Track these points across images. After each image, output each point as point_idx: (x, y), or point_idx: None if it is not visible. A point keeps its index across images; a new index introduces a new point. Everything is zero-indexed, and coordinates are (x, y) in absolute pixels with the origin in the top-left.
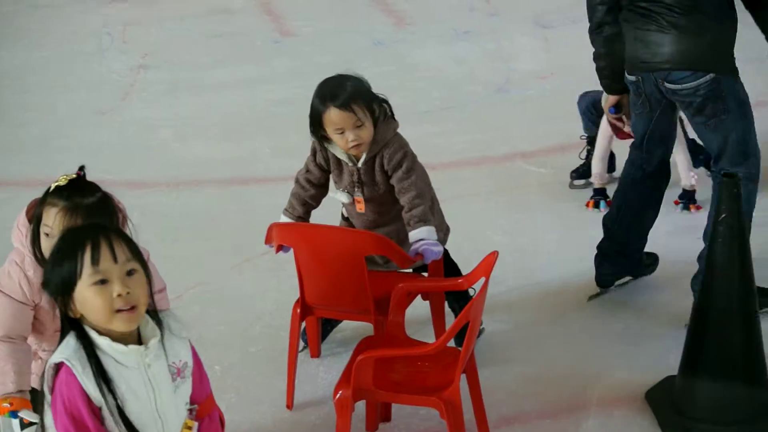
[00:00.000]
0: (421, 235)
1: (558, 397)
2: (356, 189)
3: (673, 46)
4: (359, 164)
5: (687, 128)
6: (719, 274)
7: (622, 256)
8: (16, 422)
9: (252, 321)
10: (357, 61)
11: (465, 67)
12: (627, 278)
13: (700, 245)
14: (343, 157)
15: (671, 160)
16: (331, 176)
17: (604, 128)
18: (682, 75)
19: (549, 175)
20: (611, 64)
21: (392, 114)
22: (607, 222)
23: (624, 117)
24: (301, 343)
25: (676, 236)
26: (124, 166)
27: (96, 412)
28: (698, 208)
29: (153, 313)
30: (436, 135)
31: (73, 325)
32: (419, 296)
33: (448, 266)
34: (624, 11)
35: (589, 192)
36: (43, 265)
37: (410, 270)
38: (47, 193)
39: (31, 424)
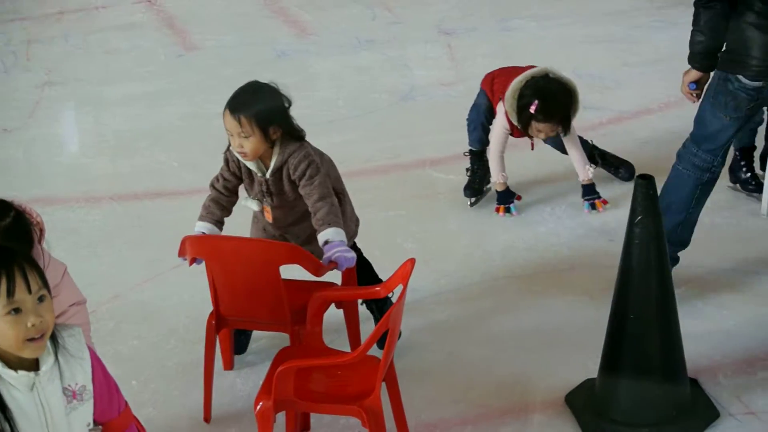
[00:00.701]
0: (326, 237)
1: (478, 402)
2: (265, 198)
3: None
4: (267, 175)
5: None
6: (636, 276)
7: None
8: None
9: (166, 334)
10: (260, 73)
11: (369, 75)
12: None
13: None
14: (252, 167)
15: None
16: (243, 184)
17: (499, 127)
18: None
19: (458, 182)
20: (709, 42)
21: (298, 132)
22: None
23: (695, 94)
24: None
25: (589, 239)
26: (32, 183)
27: None
28: (605, 202)
29: (51, 334)
30: (343, 144)
31: None
32: (333, 305)
33: (362, 265)
34: (758, 3)
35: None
36: None
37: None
38: None
39: None
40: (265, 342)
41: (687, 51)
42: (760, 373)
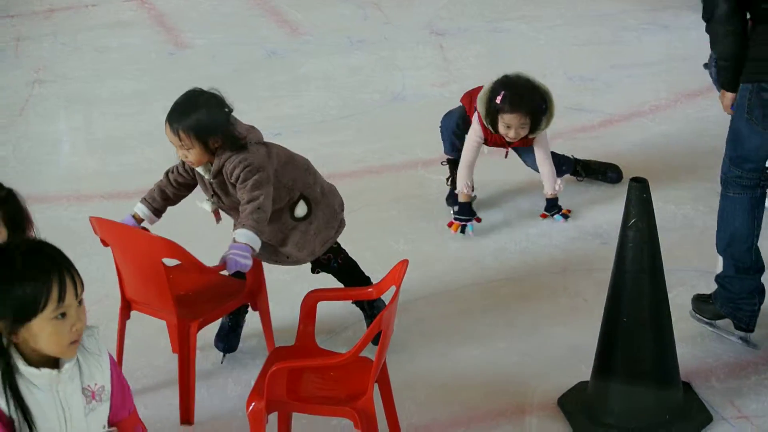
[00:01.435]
0: (234, 236)
1: (470, 404)
2: (214, 199)
3: None
4: (209, 178)
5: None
6: (629, 279)
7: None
8: None
9: (155, 334)
10: (251, 72)
11: (360, 75)
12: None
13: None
14: (200, 170)
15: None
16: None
17: (473, 134)
18: None
19: None
20: (739, 61)
21: (238, 140)
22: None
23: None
24: (220, 355)
25: (582, 242)
26: (22, 181)
27: (5, 423)
28: (569, 211)
29: None
30: (334, 144)
31: None
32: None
33: (348, 266)
34: None
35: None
36: None
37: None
38: None
39: None
40: (257, 341)
41: (676, 54)
42: (753, 377)
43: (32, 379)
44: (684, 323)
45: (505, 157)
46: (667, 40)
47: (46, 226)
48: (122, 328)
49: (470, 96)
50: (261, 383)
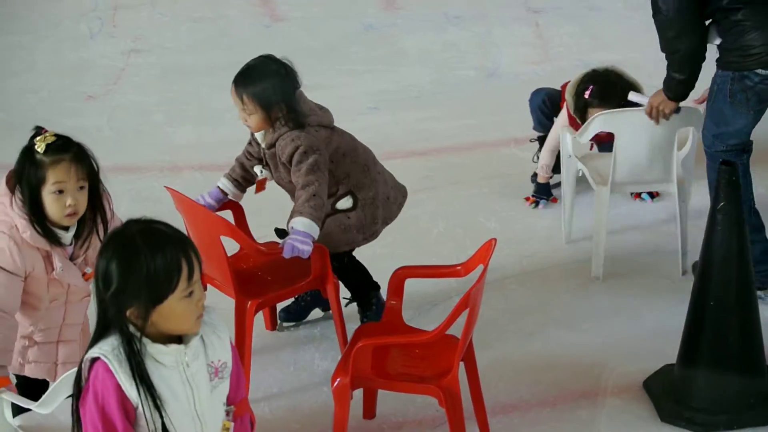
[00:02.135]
0: (292, 225)
1: (556, 385)
2: (264, 168)
3: None
4: (264, 147)
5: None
6: (717, 262)
7: None
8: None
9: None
10: (347, 46)
11: (456, 51)
12: None
13: None
14: (257, 136)
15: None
16: None
17: (562, 120)
18: None
19: None
20: (696, 77)
21: (299, 116)
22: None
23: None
24: (312, 328)
25: (671, 224)
26: (116, 151)
27: (129, 411)
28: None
29: None
30: (428, 120)
31: (113, 324)
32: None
33: (352, 269)
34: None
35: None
36: (43, 227)
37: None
38: (34, 155)
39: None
40: (347, 317)
41: None
42: None
43: (160, 358)
44: None
45: (590, 149)
46: None
47: (138, 197)
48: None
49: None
50: (346, 359)
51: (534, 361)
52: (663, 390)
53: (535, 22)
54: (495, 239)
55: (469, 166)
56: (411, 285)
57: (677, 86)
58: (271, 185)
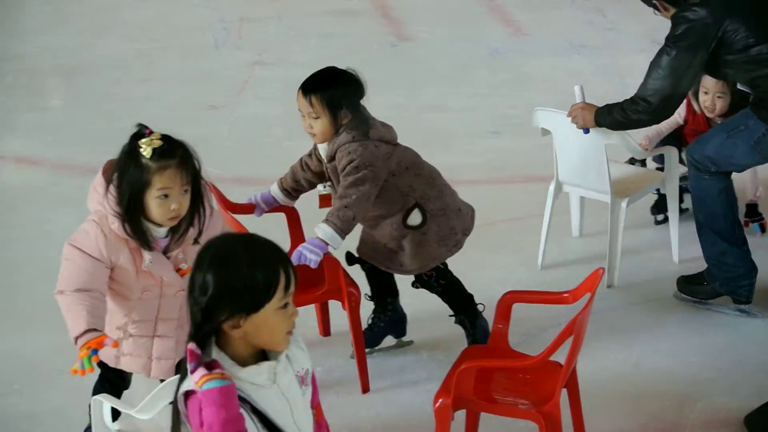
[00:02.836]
0: (316, 230)
1: (658, 416)
2: (329, 185)
3: None
4: (325, 161)
5: None
6: None
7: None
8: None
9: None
10: (472, 68)
11: (579, 80)
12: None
13: None
14: (322, 152)
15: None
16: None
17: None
18: None
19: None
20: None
21: (364, 122)
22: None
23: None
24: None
25: None
26: (236, 162)
27: None
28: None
29: None
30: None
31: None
32: None
33: (450, 284)
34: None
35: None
36: (133, 227)
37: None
38: (139, 158)
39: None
40: (457, 339)
41: None
42: None
43: (255, 380)
44: None
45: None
46: None
47: None
48: None
49: None
50: (450, 380)
51: (637, 390)
52: (764, 427)
53: None
54: (603, 268)
55: None
56: (522, 310)
57: (617, 125)
58: None
